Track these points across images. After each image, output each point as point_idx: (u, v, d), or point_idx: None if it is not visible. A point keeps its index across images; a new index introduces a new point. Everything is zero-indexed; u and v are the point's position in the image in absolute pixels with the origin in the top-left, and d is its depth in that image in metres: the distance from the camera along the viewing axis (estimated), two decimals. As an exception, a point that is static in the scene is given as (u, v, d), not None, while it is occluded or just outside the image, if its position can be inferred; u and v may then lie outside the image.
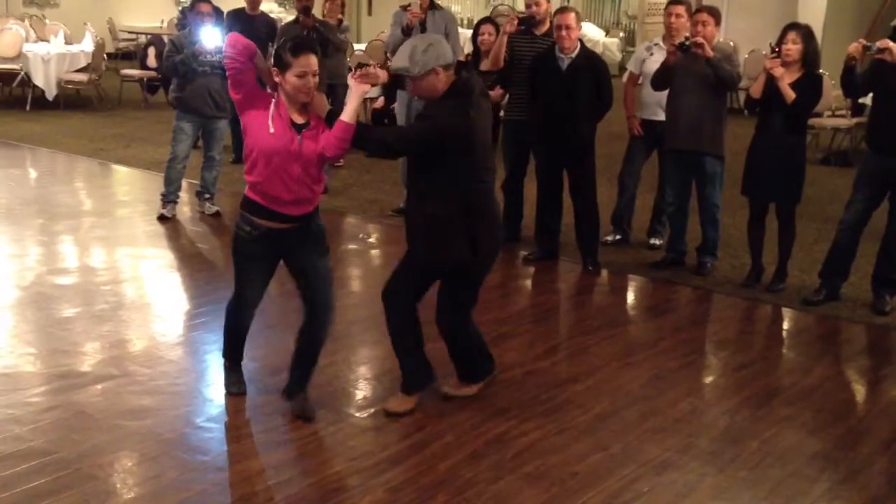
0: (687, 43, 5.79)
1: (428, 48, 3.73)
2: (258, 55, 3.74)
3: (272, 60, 3.75)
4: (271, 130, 3.67)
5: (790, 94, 5.46)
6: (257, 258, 3.91)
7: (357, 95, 3.73)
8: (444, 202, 3.80)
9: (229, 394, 4.16)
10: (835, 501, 3.54)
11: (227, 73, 3.74)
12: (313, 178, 3.79)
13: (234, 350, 4.21)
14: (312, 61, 3.65)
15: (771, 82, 5.52)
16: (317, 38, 8.02)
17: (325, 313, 3.96)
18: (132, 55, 16.30)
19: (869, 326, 5.46)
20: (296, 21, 8.21)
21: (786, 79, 5.48)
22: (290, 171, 3.70)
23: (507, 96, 6.73)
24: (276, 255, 3.92)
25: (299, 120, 3.74)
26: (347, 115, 3.67)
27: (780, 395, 4.48)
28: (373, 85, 3.86)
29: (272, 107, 3.71)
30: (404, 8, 7.16)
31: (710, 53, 5.78)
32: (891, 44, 5.20)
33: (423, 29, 7.14)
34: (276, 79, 3.71)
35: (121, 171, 9.21)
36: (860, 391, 4.81)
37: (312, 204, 3.84)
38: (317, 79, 3.69)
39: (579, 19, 6.08)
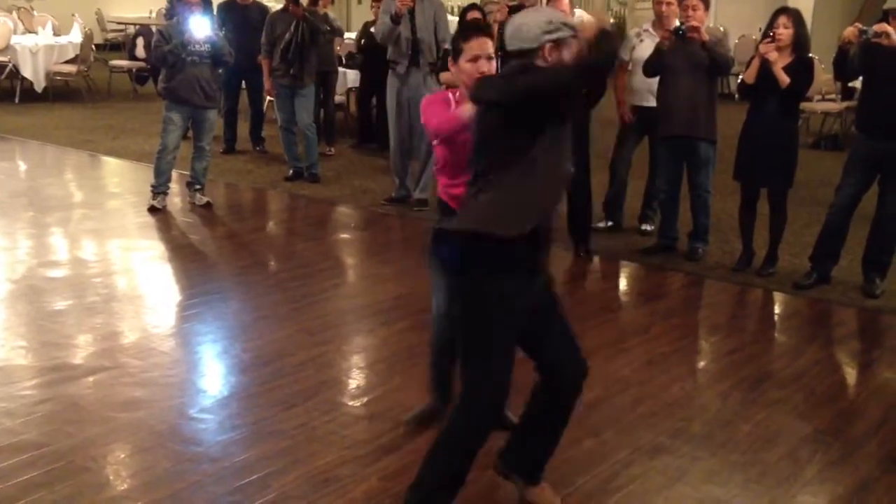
0: (683, 28, 5.78)
1: None
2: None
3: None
4: None
5: (785, 79, 5.46)
6: None
7: None
8: None
9: None
10: (826, 483, 3.56)
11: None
12: None
13: None
14: (486, 45, 3.40)
15: (764, 67, 5.52)
16: (307, 27, 8.01)
17: None
18: (121, 46, 16.22)
19: (859, 309, 5.47)
20: (285, 10, 8.17)
21: (779, 63, 5.48)
22: None
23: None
24: None
25: None
26: None
27: (771, 378, 4.49)
28: None
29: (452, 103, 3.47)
30: (393, -5, 7.13)
31: (707, 37, 5.77)
32: (888, 28, 5.15)
33: (412, 16, 7.13)
34: (452, 69, 3.47)
35: (111, 163, 9.18)
36: (851, 374, 4.83)
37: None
38: (491, 64, 3.40)
39: (573, 6, 6.07)
